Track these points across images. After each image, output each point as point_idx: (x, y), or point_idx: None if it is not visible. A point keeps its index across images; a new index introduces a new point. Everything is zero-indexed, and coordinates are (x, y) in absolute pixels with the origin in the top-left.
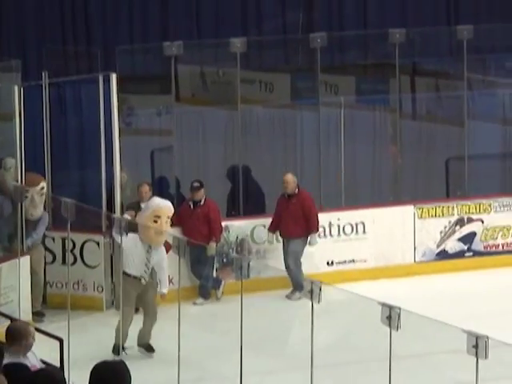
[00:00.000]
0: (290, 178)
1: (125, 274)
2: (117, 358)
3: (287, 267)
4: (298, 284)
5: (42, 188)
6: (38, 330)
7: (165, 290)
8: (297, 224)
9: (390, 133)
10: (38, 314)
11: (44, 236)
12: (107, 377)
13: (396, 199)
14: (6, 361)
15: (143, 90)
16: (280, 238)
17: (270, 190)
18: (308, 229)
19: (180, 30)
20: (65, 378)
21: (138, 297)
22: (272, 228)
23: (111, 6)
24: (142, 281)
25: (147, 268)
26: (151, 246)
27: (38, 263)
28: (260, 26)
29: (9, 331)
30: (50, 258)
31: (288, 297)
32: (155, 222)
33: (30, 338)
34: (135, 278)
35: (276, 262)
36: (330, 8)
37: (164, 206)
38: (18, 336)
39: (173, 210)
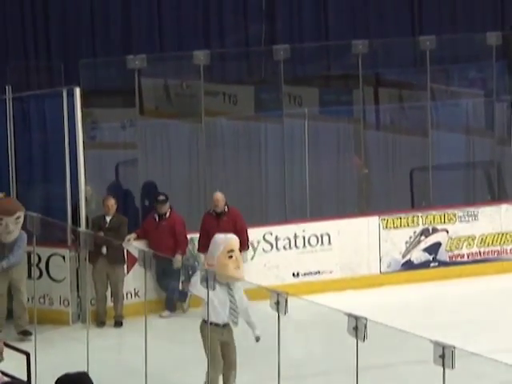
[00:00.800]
0: (220, 196)
1: (211, 324)
2: None
3: None
4: None
5: (18, 217)
6: (5, 344)
7: (258, 332)
8: None
9: (353, 144)
10: (24, 333)
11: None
12: None
13: (361, 210)
14: None
15: (107, 104)
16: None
17: (232, 204)
18: (240, 247)
19: (142, 43)
20: None
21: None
22: (204, 249)
23: (72, 19)
24: (231, 325)
25: (234, 311)
26: (230, 285)
27: (20, 282)
28: (223, 39)
29: None
30: None
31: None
32: (230, 257)
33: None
34: (217, 325)
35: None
36: (291, 20)
37: (232, 238)
38: None
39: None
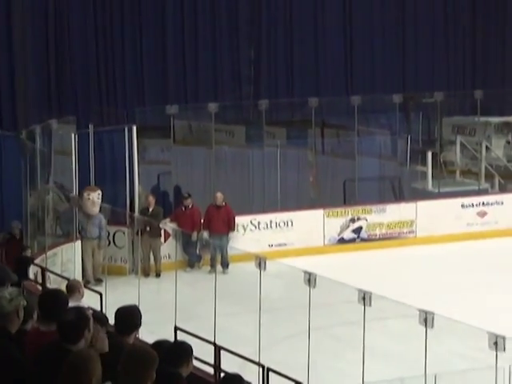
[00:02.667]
0: (219, 195)
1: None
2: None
3: (222, 253)
4: (227, 263)
5: (99, 194)
6: (87, 287)
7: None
8: (225, 225)
9: (309, 163)
10: (98, 280)
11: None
12: (126, 315)
13: (312, 205)
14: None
15: (152, 136)
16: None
17: (232, 200)
18: (230, 228)
19: (175, 96)
20: (107, 318)
21: None
22: (206, 228)
23: (130, 80)
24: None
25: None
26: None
27: (97, 248)
28: (226, 95)
29: (67, 286)
30: None
31: (224, 272)
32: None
33: (81, 289)
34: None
35: (236, 244)
36: (269, 82)
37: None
38: (74, 288)
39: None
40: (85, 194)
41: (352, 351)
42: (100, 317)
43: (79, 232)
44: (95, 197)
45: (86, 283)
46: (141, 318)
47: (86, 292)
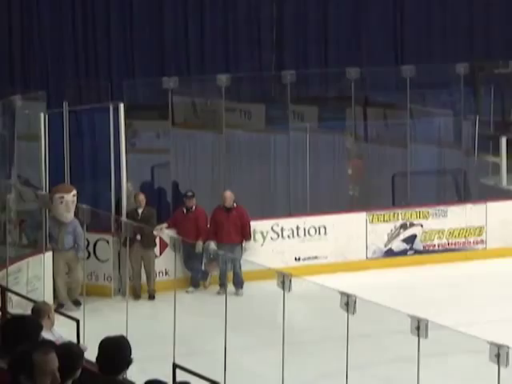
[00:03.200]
0: (229, 194)
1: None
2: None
3: (234, 269)
4: (241, 282)
5: (75, 195)
6: (59, 312)
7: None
8: (237, 232)
9: (347, 153)
10: (75, 303)
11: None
12: (111, 349)
13: (351, 207)
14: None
15: (145, 117)
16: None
17: (247, 201)
18: (244, 236)
19: (174, 67)
20: (82, 352)
21: None
22: (212, 237)
23: (116, 46)
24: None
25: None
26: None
27: (75, 262)
28: (239, 65)
29: (33, 310)
30: None
31: (237, 293)
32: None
33: (51, 314)
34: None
35: (253, 258)
36: (297, 50)
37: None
38: (41, 313)
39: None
40: (56, 197)
41: None
42: (75, 352)
43: (49, 242)
44: (69, 199)
45: (59, 307)
46: (130, 353)
47: (59, 318)
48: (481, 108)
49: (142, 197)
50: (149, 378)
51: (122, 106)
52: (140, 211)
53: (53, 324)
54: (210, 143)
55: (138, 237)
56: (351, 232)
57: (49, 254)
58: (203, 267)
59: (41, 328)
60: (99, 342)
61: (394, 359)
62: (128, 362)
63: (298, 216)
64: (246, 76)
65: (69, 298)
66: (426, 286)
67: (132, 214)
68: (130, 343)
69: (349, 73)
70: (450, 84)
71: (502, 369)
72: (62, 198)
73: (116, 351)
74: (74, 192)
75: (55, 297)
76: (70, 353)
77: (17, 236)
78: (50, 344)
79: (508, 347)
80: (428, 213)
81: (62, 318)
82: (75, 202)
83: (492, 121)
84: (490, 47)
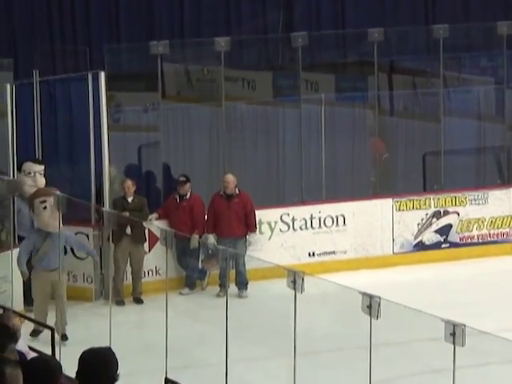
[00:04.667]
0: (231, 178)
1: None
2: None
3: (237, 267)
4: (245, 282)
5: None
6: (32, 320)
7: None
8: (240, 223)
9: (370, 128)
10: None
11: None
12: (95, 363)
13: (375, 192)
14: None
15: (130, 88)
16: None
17: (251, 186)
18: (248, 228)
19: (164, 29)
20: (60, 366)
21: None
22: (212, 229)
23: (97, 5)
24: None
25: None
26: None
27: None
28: (241, 26)
29: None
30: None
31: (240, 295)
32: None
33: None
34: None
35: (259, 253)
36: (308, 8)
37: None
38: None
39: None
40: (36, 202)
41: None
42: (52, 365)
43: (29, 260)
44: (50, 202)
45: (35, 333)
46: (117, 368)
47: (30, 326)
48: None
49: (129, 183)
50: None
51: (102, 74)
52: (130, 199)
53: (19, 335)
54: (207, 118)
55: (128, 230)
56: (374, 222)
57: (16, 251)
58: (200, 265)
59: (12, 338)
60: (79, 354)
61: (426, 371)
62: (113, 378)
63: (311, 204)
64: (249, 39)
65: (56, 331)
66: (463, 285)
67: (120, 204)
68: (116, 355)
69: (371, 34)
70: (490, 46)
71: None
72: (45, 202)
73: (100, 365)
74: (51, 198)
75: (26, 303)
76: (45, 367)
77: None
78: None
79: None
80: (466, 198)
81: (33, 325)
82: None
83: None
84: None
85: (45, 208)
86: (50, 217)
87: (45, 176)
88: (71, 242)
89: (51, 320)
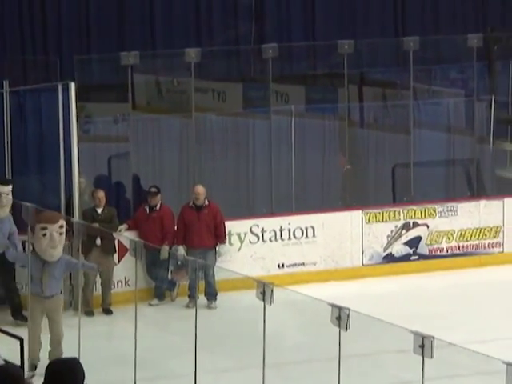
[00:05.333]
0: (201, 189)
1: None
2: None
3: (206, 278)
4: (214, 293)
5: (62, 226)
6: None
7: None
8: (210, 234)
9: (340, 140)
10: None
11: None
12: (61, 374)
13: (344, 204)
14: None
15: (100, 99)
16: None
17: (221, 197)
18: (218, 239)
19: (135, 40)
20: (23, 375)
21: None
22: (182, 241)
23: (68, 16)
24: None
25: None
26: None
27: (56, 312)
28: (212, 37)
29: None
30: None
31: (209, 306)
32: (44, 235)
33: None
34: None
35: (228, 264)
36: (279, 19)
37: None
38: None
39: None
40: (37, 227)
41: None
42: (13, 375)
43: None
44: (55, 230)
45: (32, 368)
46: (83, 378)
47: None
48: (497, 87)
49: (101, 194)
50: None
51: (73, 85)
52: (100, 211)
53: None
54: (177, 129)
55: (98, 241)
56: (344, 234)
57: None
58: (170, 276)
59: None
60: (47, 365)
61: (395, 382)
62: None
63: (281, 215)
64: (219, 50)
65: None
66: (432, 297)
67: (90, 214)
68: (84, 367)
69: (341, 46)
70: (460, 59)
71: None
72: (45, 229)
73: (66, 376)
74: (62, 223)
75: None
76: (6, 376)
77: None
78: None
79: None
80: (435, 210)
81: (2, 336)
82: (64, 234)
83: (510, 102)
84: (506, 15)
85: (44, 235)
86: (47, 245)
87: (13, 192)
88: (71, 266)
89: (19, 330)
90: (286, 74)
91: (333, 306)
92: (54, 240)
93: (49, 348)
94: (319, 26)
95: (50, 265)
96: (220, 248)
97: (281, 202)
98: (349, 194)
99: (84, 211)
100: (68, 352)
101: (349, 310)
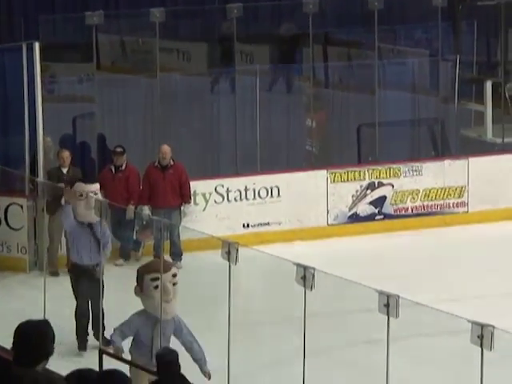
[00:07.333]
0: (167, 148)
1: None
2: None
3: (171, 238)
4: (179, 253)
5: (175, 275)
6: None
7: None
8: (175, 194)
9: (305, 100)
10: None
11: None
12: (31, 335)
13: (309, 164)
14: None
15: (65, 59)
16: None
17: (186, 157)
18: (183, 199)
19: (99, 0)
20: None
21: None
22: (146, 201)
23: None
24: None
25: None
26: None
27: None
28: None
29: None
30: None
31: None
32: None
33: None
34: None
35: (193, 224)
36: None
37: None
38: None
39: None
40: (147, 279)
41: None
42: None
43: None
44: (168, 282)
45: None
46: (53, 340)
47: None
48: (462, 47)
49: (66, 154)
50: (75, 369)
51: (37, 45)
52: (65, 171)
53: None
54: (142, 89)
55: (63, 201)
56: (309, 194)
57: None
58: (135, 236)
59: None
60: (14, 326)
61: (360, 342)
62: (48, 351)
63: (246, 175)
64: (184, 10)
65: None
66: (397, 257)
67: (57, 174)
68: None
69: (306, 5)
70: (425, 19)
71: (485, 352)
72: (157, 280)
73: (36, 338)
74: (175, 271)
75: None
76: None
77: None
78: None
79: (493, 327)
80: (399, 170)
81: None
82: (177, 285)
83: (475, 62)
84: None
85: (156, 287)
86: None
87: None
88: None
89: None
90: (251, 33)
91: (298, 265)
92: (168, 292)
93: None
94: None
95: (163, 323)
96: (185, 208)
97: (246, 162)
98: (313, 154)
99: (49, 171)
100: (34, 312)
101: (314, 269)
